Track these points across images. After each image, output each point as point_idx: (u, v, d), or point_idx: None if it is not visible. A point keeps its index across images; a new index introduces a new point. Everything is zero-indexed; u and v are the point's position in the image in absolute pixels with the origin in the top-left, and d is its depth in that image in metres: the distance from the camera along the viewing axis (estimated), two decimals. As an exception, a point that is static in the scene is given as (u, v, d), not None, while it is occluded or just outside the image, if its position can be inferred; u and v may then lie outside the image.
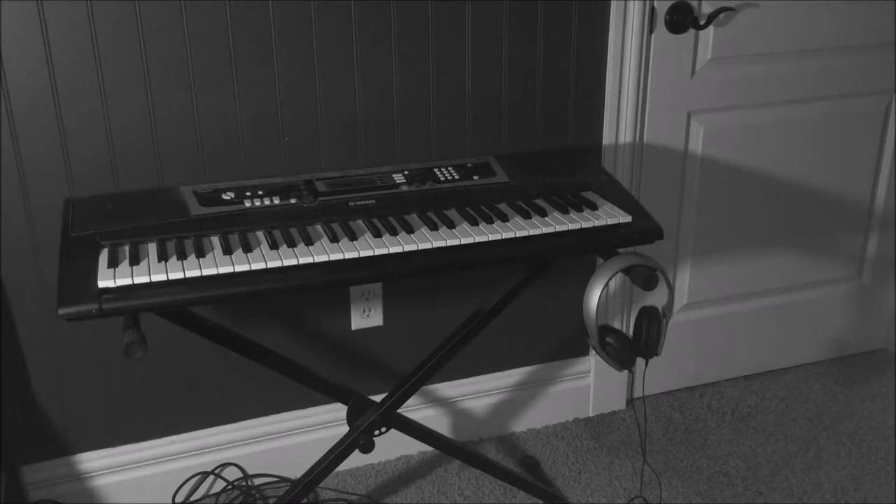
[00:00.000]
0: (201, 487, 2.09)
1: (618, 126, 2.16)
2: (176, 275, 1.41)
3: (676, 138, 2.23)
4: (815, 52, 2.27)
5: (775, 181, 2.38)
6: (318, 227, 1.59)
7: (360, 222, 1.60)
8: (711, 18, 2.08)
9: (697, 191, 2.31)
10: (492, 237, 1.57)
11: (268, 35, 1.80)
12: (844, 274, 2.60)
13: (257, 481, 2.12)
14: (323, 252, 1.48)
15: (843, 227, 2.54)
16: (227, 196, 1.62)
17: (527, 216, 1.65)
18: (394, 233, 1.55)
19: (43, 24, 1.64)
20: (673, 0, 2.07)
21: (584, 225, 1.64)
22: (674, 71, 2.15)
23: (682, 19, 2.08)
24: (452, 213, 1.65)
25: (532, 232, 1.60)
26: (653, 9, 2.07)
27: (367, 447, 1.84)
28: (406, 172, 1.75)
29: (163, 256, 1.44)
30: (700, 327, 2.48)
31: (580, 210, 1.68)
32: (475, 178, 1.76)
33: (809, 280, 2.56)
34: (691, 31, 2.12)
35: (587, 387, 2.42)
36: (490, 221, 1.62)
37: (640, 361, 1.74)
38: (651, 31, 2.08)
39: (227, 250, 1.47)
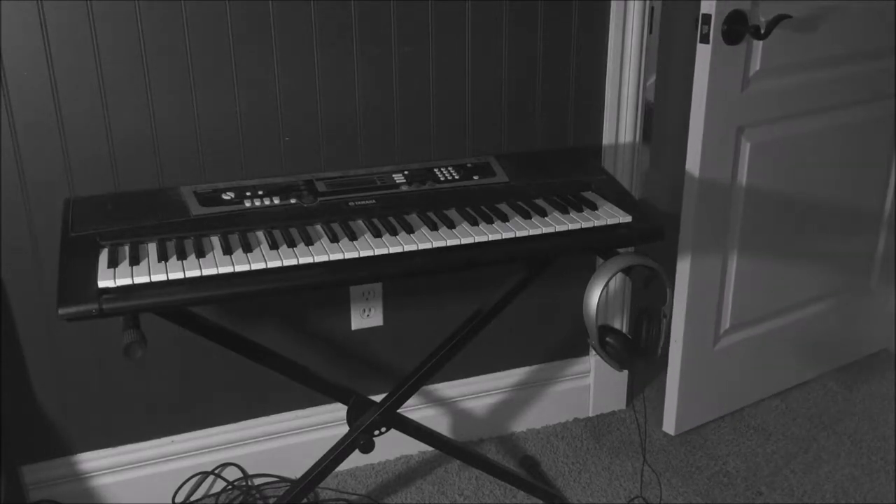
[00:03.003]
0: (201, 487, 2.09)
1: (618, 126, 2.16)
2: (176, 275, 1.41)
3: (725, 155, 2.11)
4: (849, 57, 2.21)
5: (812, 192, 2.32)
6: (318, 227, 1.59)
7: (360, 222, 1.60)
8: (771, 27, 1.95)
9: (742, 208, 2.20)
10: (492, 237, 1.57)
11: (268, 35, 1.80)
12: (856, 281, 2.59)
13: (257, 481, 2.12)
14: (323, 252, 1.48)
15: (858, 233, 2.52)
16: (227, 196, 1.62)
17: (527, 216, 1.65)
18: (394, 233, 1.55)
19: (43, 24, 1.64)
20: (730, 8, 1.92)
21: (584, 225, 1.64)
22: (726, 84, 2.02)
23: (738, 29, 1.95)
24: (452, 213, 1.65)
25: (532, 232, 1.60)
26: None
27: (367, 447, 1.84)
28: (406, 172, 1.75)
29: (163, 256, 1.44)
30: (738, 350, 2.39)
31: (580, 210, 1.68)
32: (475, 178, 1.76)
33: (824, 291, 2.51)
34: (743, 42, 1.98)
35: (587, 387, 2.42)
36: (490, 221, 1.62)
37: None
38: (706, 41, 1.94)
39: (227, 250, 1.47)
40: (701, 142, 2.04)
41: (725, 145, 2.10)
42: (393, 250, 1.51)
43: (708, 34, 1.93)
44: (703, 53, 1.97)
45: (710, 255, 2.21)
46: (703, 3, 1.93)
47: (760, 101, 2.11)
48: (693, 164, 2.08)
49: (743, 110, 2.09)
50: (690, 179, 2.10)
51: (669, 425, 2.36)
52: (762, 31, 1.96)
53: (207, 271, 1.42)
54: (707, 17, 1.92)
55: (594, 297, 1.58)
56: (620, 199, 1.74)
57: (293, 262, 1.46)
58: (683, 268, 2.19)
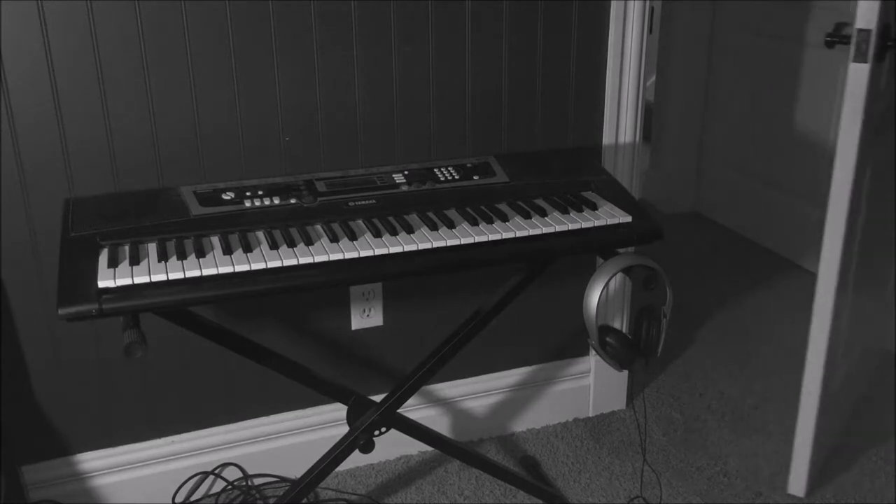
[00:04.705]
0: (201, 487, 2.09)
1: (618, 126, 2.16)
2: (176, 275, 1.41)
3: (861, 181, 1.92)
4: None
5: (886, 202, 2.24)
6: (318, 227, 1.59)
7: (360, 222, 1.60)
8: None
9: (860, 230, 2.04)
10: (492, 237, 1.57)
11: (268, 35, 1.80)
12: (879, 287, 2.55)
13: (257, 481, 2.12)
14: (323, 252, 1.48)
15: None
16: (227, 196, 1.62)
17: (527, 216, 1.65)
18: (394, 233, 1.55)
19: (43, 24, 1.64)
20: (881, 23, 1.74)
21: (584, 225, 1.64)
22: (870, 105, 1.82)
23: (885, 45, 1.78)
24: (452, 213, 1.65)
25: (532, 232, 1.60)
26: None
27: (367, 447, 1.84)
28: (406, 172, 1.75)
29: (163, 256, 1.44)
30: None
31: (580, 210, 1.68)
32: (475, 178, 1.76)
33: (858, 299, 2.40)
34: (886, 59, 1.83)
35: (587, 387, 2.42)
36: (490, 221, 1.62)
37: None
38: (863, 60, 1.75)
39: (227, 250, 1.47)
40: (853, 171, 1.82)
41: (863, 169, 1.91)
42: (393, 250, 1.51)
43: (866, 52, 1.73)
44: (859, 74, 1.76)
45: (844, 285, 2.03)
46: (858, 17, 1.74)
47: (885, 118, 1.97)
48: (841, 192, 1.86)
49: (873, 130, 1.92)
50: (838, 206, 1.88)
51: (798, 487, 2.09)
52: None
53: (207, 271, 1.42)
54: (865, 33, 1.72)
55: (594, 297, 1.58)
56: (620, 199, 1.74)
57: (293, 262, 1.46)
58: (825, 302, 1.95)
